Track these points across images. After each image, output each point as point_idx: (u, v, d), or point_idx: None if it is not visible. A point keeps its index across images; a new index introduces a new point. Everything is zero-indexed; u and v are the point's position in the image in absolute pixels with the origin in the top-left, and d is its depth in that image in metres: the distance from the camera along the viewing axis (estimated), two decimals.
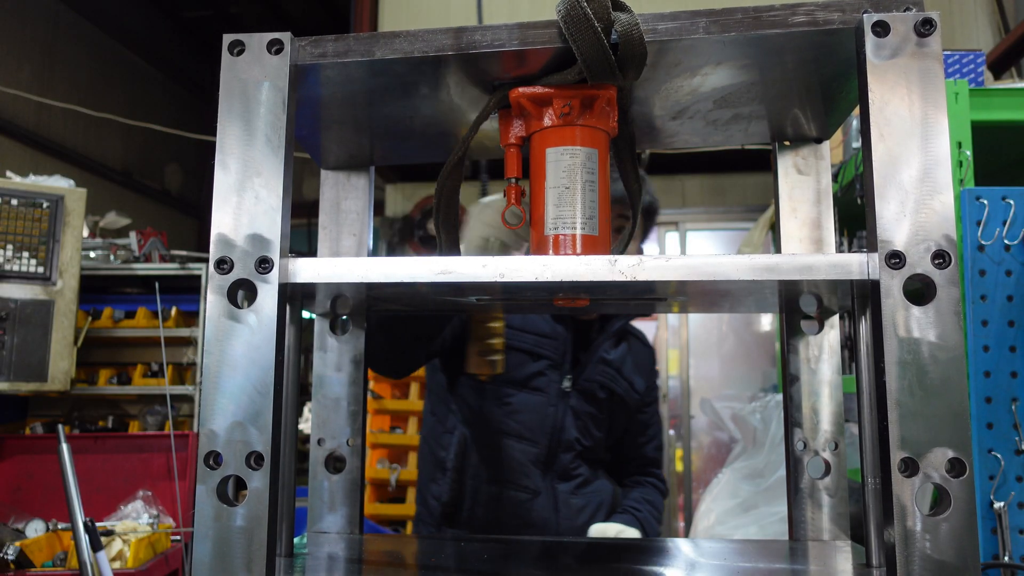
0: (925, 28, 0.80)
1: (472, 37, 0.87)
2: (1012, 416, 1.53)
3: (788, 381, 1.12)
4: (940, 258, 0.76)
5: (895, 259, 0.77)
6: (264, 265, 0.81)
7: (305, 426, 3.95)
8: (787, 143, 1.14)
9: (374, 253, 1.32)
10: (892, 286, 0.76)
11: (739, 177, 5.57)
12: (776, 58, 0.90)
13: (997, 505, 1.50)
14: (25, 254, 3.12)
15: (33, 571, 2.58)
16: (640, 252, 1.84)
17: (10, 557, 2.53)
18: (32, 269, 3.13)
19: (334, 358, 1.17)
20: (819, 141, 1.14)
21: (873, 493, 0.89)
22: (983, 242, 1.55)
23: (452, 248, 1.04)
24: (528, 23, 0.87)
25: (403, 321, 1.56)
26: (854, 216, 2.51)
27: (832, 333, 1.12)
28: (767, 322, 4.68)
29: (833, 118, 1.07)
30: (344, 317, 1.17)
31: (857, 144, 2.43)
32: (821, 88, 0.98)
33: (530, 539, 1.19)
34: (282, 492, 0.93)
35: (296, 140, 0.91)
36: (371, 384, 4.67)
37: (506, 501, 1.78)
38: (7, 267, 3.08)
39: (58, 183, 3.42)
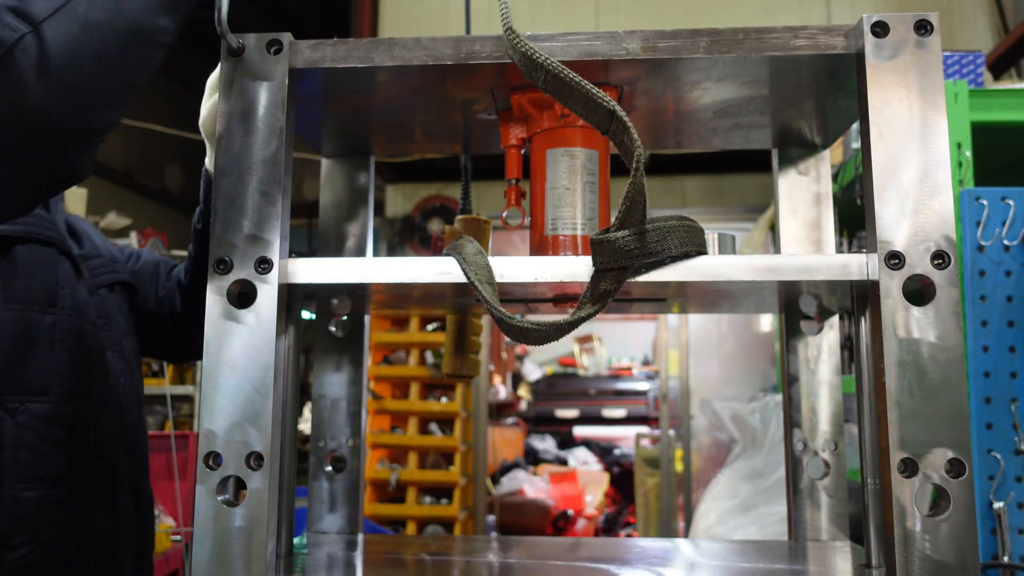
0: (924, 28, 0.80)
1: (472, 47, 0.87)
2: (1012, 416, 1.53)
3: (787, 382, 1.12)
4: (939, 259, 0.76)
5: (895, 260, 0.77)
6: (263, 265, 0.81)
7: (305, 426, 3.95)
8: (788, 150, 1.15)
9: (374, 253, 1.32)
10: (891, 286, 0.76)
11: (739, 177, 5.56)
12: (778, 77, 0.90)
13: (997, 505, 1.50)
14: None
15: None
16: None
17: None
18: None
19: (334, 358, 1.17)
20: (821, 148, 1.14)
21: (873, 493, 0.89)
22: (983, 243, 1.55)
23: None
24: (530, 36, 0.86)
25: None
26: (854, 216, 2.51)
27: (831, 334, 1.12)
28: (767, 322, 4.68)
29: (835, 128, 1.07)
30: (344, 317, 1.17)
31: (857, 144, 2.43)
32: (823, 103, 0.98)
33: (534, 538, 1.19)
34: (282, 492, 0.93)
35: (296, 132, 0.91)
36: (371, 384, 4.67)
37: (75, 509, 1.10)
38: None
39: None
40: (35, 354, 1.06)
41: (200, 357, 0.81)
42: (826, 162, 1.14)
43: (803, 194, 1.14)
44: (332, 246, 1.18)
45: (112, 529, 1.12)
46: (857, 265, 0.80)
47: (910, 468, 0.74)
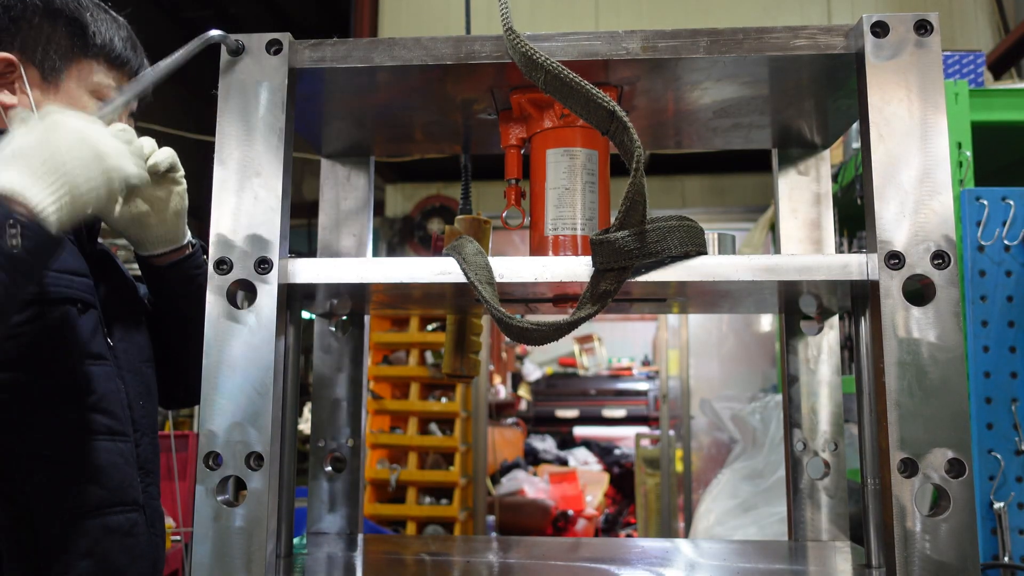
0: (924, 28, 0.80)
1: (472, 47, 0.87)
2: (1012, 416, 1.53)
3: (787, 382, 1.12)
4: (939, 258, 0.76)
5: (894, 260, 0.77)
6: (263, 266, 0.81)
7: (305, 426, 3.95)
8: (788, 150, 1.14)
9: (374, 253, 1.32)
10: (891, 287, 0.76)
11: (739, 177, 5.56)
12: (778, 77, 0.90)
13: (997, 505, 1.50)
14: None
15: None
16: None
17: None
18: None
19: (334, 358, 1.17)
20: (821, 148, 1.14)
21: (873, 494, 0.89)
22: (983, 243, 1.55)
23: None
24: (530, 36, 0.86)
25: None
26: (854, 216, 2.51)
27: (831, 334, 1.12)
28: (767, 322, 4.68)
29: (835, 128, 1.07)
30: (344, 317, 1.17)
31: (857, 144, 2.43)
32: (823, 103, 0.98)
33: (534, 538, 1.20)
34: (282, 492, 0.93)
35: (296, 132, 0.91)
36: (371, 384, 4.67)
37: (104, 535, 1.09)
38: None
39: None
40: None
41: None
42: (826, 162, 1.14)
43: (803, 194, 1.14)
44: (332, 246, 1.18)
45: (119, 547, 1.13)
46: (857, 265, 0.80)
47: (910, 468, 0.74)
